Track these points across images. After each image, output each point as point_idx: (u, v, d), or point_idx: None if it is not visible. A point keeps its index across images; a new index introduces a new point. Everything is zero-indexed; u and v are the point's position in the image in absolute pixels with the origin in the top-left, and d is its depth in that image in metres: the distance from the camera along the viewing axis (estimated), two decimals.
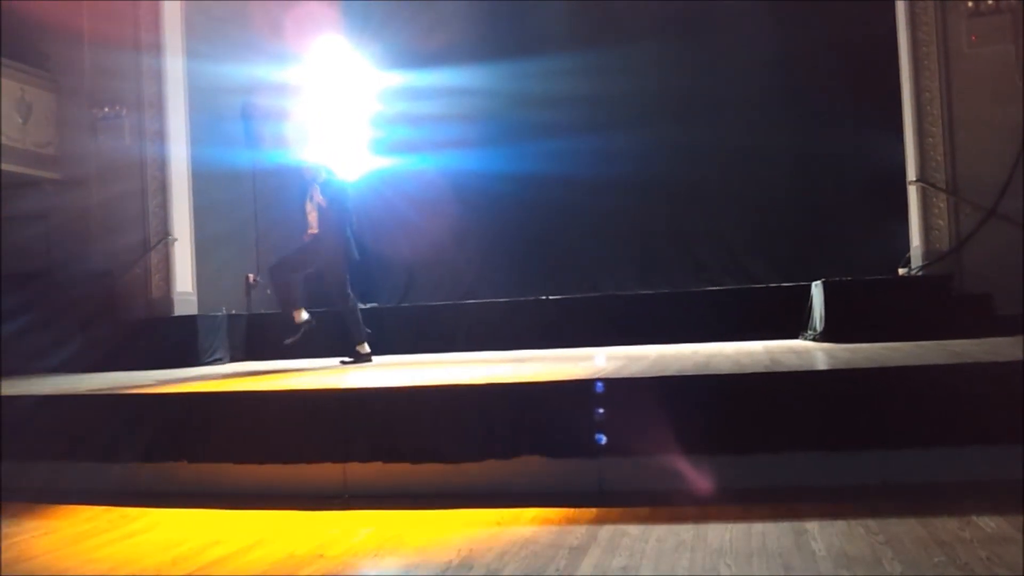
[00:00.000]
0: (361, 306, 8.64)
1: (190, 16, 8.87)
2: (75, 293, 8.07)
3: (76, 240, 8.55)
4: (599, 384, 3.93)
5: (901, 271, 7.24)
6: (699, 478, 3.59)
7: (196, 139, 8.80)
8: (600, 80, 8.97)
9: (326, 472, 4.03)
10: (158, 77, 8.56)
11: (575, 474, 3.75)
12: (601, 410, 3.81)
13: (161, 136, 8.53)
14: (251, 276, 9.27)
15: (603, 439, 3.72)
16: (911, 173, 7.12)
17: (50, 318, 7.64)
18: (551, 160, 8.75)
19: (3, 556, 3.22)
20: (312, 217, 6.72)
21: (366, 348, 6.81)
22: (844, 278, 6.53)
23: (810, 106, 8.45)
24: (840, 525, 2.99)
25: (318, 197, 6.66)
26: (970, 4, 6.89)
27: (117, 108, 8.57)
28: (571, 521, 3.25)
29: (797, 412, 3.76)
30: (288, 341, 6.61)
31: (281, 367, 6.74)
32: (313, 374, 5.91)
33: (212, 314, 8.22)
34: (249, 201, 9.66)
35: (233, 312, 8.54)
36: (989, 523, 2.90)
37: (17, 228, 8.50)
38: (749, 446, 3.68)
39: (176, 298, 8.47)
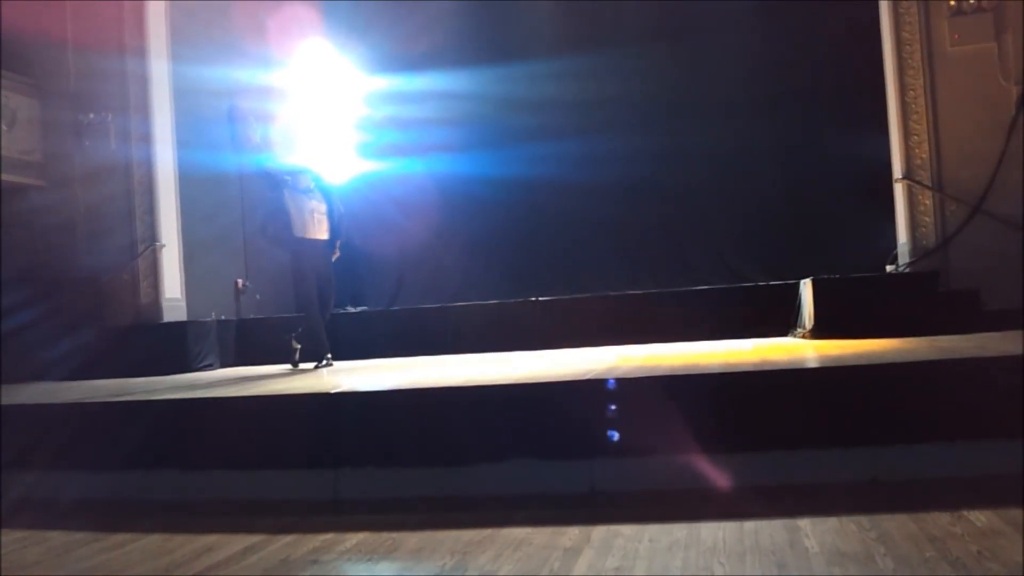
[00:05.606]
0: (351, 310, 8.66)
1: (174, 19, 8.79)
2: (62, 300, 7.98)
3: (62, 246, 8.45)
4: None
5: (888, 268, 7.28)
6: (690, 477, 3.60)
7: (182, 143, 8.71)
8: (586, 83, 8.97)
9: (318, 477, 4.02)
10: (143, 81, 8.46)
11: (567, 475, 3.76)
12: (597, 409, 3.82)
13: (147, 140, 8.43)
14: (240, 281, 9.23)
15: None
16: (897, 171, 7.16)
17: (37, 325, 7.57)
18: (538, 163, 8.77)
19: None
20: (321, 224, 6.80)
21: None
22: (832, 276, 6.56)
23: (796, 106, 8.51)
24: (832, 522, 3.01)
25: (337, 205, 6.99)
26: (952, 3, 6.93)
27: (102, 113, 8.48)
28: (564, 522, 3.25)
29: (787, 410, 3.78)
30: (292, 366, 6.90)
31: (271, 372, 6.72)
32: (304, 378, 5.89)
33: (201, 320, 8.17)
34: (236, 205, 9.62)
35: (223, 318, 8.49)
36: (980, 517, 2.92)
37: (2, 234, 8.42)
38: (740, 444, 3.70)
39: (165, 304, 8.37)
